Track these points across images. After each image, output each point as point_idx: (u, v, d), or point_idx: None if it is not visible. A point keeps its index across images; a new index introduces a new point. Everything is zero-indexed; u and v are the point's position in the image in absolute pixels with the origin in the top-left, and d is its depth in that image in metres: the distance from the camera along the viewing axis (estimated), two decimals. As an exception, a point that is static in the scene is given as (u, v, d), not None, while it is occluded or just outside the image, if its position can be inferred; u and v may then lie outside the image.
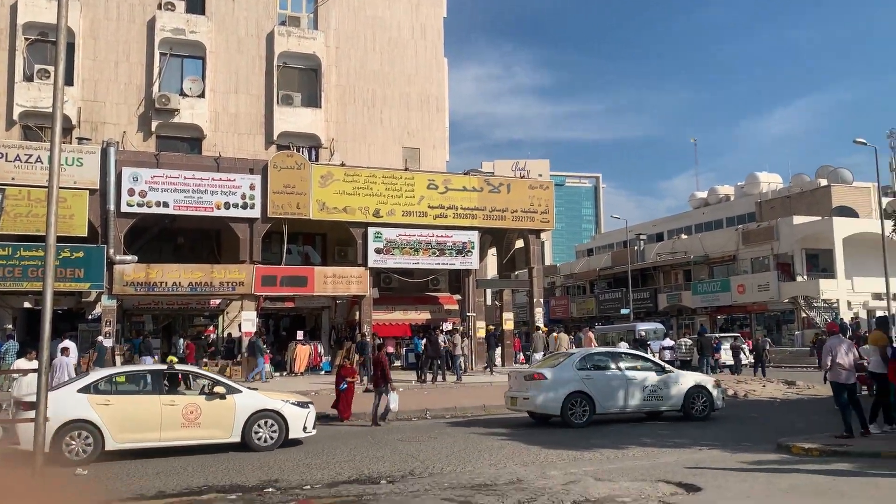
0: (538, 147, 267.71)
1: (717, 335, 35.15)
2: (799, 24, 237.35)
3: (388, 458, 11.03)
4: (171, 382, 12.32)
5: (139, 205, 24.81)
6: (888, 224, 27.01)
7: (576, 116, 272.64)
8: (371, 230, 27.50)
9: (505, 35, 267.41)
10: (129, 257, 24.64)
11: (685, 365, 28.97)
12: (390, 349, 29.72)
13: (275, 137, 31.03)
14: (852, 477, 8.74)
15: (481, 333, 31.51)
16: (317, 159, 30.72)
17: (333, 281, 27.21)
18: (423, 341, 25.02)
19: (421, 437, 13.31)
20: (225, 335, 28.31)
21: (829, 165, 54.68)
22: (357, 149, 32.27)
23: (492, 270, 38.25)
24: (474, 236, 29.25)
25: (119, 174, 24.64)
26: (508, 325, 32.47)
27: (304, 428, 12.55)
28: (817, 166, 59.56)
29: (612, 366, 15.23)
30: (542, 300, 33.44)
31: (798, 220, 44.75)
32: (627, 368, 15.24)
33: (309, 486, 9.18)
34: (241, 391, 12.48)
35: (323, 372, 27.61)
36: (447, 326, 29.44)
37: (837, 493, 7.81)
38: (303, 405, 12.73)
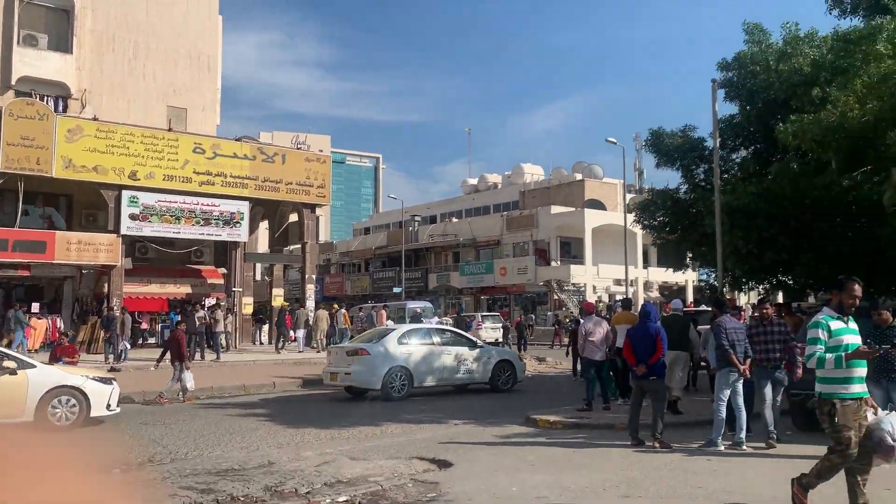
0: (320, 122, 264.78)
1: (474, 314, 37.00)
2: (567, 27, 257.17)
3: (126, 444, 9.94)
4: None
5: None
6: (630, 217, 29.92)
7: (359, 95, 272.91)
8: (126, 193, 25.06)
9: (289, 3, 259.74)
10: None
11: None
12: (144, 325, 27.48)
13: (13, 82, 27.16)
14: (589, 448, 9.31)
15: (248, 310, 30.21)
16: (65, 111, 27.36)
17: (79, 248, 24.44)
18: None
19: (169, 420, 12.24)
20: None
21: (583, 161, 59.66)
22: (114, 104, 29.21)
23: (263, 244, 36.78)
24: (244, 207, 27.83)
25: None
26: (278, 301, 31.45)
27: (108, 406, 11.48)
28: (574, 161, 64.75)
29: (430, 341, 15.64)
30: (314, 276, 32.80)
31: (555, 210, 48.35)
32: (444, 343, 15.72)
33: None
34: (35, 366, 11.30)
35: (63, 349, 24.73)
36: (210, 301, 27.81)
37: (576, 465, 8.23)
38: (106, 381, 11.70)
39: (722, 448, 8.95)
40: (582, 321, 13.98)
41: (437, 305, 44.30)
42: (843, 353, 5.61)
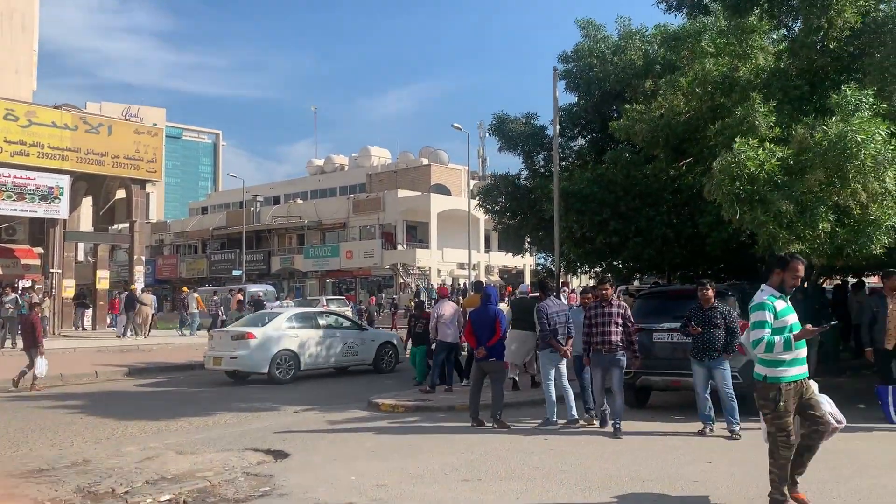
0: (155, 94, 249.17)
1: (318, 298, 36.28)
2: (419, 11, 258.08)
3: None
4: None
5: None
6: (473, 203, 30.44)
7: (198, 68, 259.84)
8: (-80, 162, 22.13)
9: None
10: None
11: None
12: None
13: None
14: (430, 434, 9.24)
15: (69, 294, 27.85)
16: None
17: None
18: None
19: (-35, 417, 10.89)
20: None
21: (430, 146, 60.24)
22: None
23: (86, 222, 33.90)
24: (64, 181, 25.46)
25: None
26: (103, 284, 29.27)
27: None
28: (421, 146, 65.25)
29: (317, 324, 15.66)
30: (144, 258, 30.73)
31: (402, 193, 48.43)
32: (330, 327, 15.84)
33: None
34: None
35: None
36: (24, 284, 25.29)
37: (417, 450, 8.12)
38: None
39: (558, 426, 9.22)
40: (435, 305, 14.04)
41: (280, 289, 43.07)
42: (791, 335, 5.37)
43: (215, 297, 31.18)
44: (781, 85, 11.14)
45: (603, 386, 9.01)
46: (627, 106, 13.11)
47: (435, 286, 41.55)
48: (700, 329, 8.77)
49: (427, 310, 15.28)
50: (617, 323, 8.83)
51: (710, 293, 8.96)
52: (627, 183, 13.25)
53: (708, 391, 8.82)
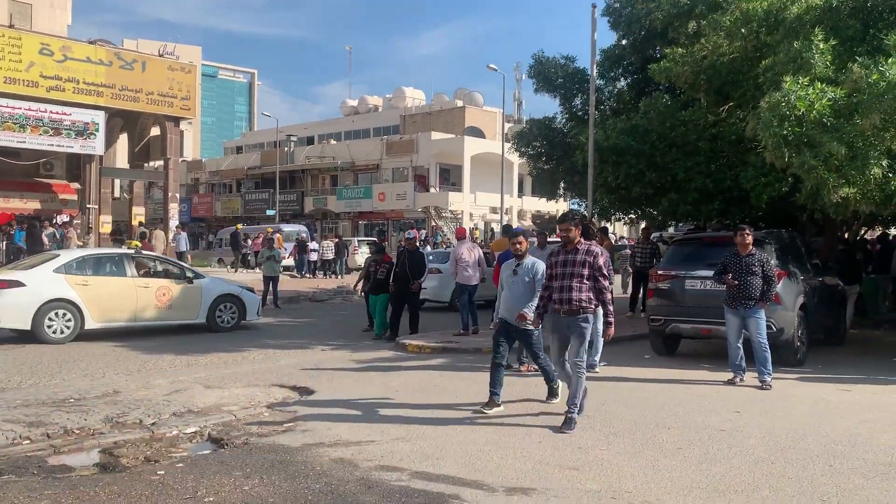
0: (191, 32, 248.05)
1: (350, 239, 36.09)
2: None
3: (-52, 373, 8.93)
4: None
5: None
6: (507, 146, 29.97)
7: (234, 6, 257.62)
8: (-41, 96, 22.33)
9: None
10: None
11: (327, 265, 29.61)
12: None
13: None
14: (454, 372, 9.23)
15: (106, 229, 28.26)
16: None
17: None
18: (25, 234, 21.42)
19: (2, 347, 11.16)
20: None
21: (465, 88, 59.21)
22: (-57, -7, 25.76)
23: (122, 159, 34.21)
24: (100, 117, 25.57)
25: None
26: (139, 220, 29.58)
27: (257, 313, 14.04)
28: (456, 88, 64.25)
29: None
30: (178, 195, 30.97)
31: (435, 135, 47.90)
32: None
33: None
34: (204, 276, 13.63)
35: None
36: (63, 218, 25.74)
37: (440, 390, 8.12)
38: (252, 291, 14.42)
39: (598, 370, 9.10)
40: (455, 246, 13.89)
41: (313, 230, 43.30)
42: None
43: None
44: (832, 24, 10.55)
45: (560, 357, 6.83)
46: (668, 49, 12.61)
47: (439, 230, 41.31)
48: (737, 281, 8.51)
49: (388, 253, 13.91)
50: (582, 276, 6.47)
51: (749, 239, 8.67)
52: (663, 131, 12.83)
53: (740, 340, 8.63)
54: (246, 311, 13.75)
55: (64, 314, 11.74)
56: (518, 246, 7.35)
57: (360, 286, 13.77)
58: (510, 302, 7.22)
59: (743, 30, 11.21)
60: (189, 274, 13.58)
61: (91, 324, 12.04)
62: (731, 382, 8.48)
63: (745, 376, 8.51)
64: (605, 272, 6.58)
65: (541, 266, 7.12)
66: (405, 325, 12.58)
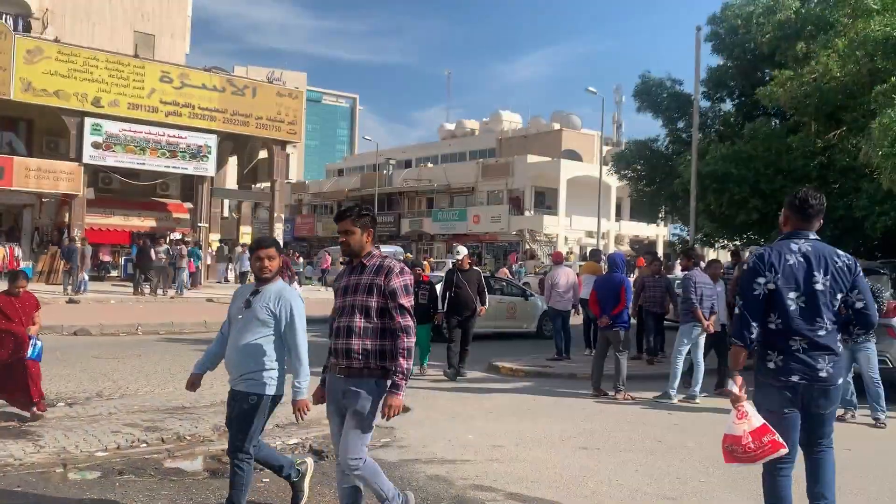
0: (297, 59, 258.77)
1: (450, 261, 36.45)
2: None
3: (75, 378, 9.61)
4: None
5: None
6: (605, 169, 29.67)
7: (337, 33, 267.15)
8: (88, 121, 24.15)
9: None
10: None
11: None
12: (106, 257, 26.93)
13: (-32, -3, 25.80)
14: (549, 397, 9.20)
15: (214, 246, 29.72)
16: (26, 31, 26.09)
17: (38, 175, 23.63)
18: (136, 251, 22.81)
19: (123, 355, 11.90)
20: None
21: (562, 111, 59.06)
22: (79, 27, 28.00)
23: (231, 180, 35.97)
24: (212, 140, 27.05)
25: None
26: (246, 238, 30.93)
27: None
28: (553, 111, 64.12)
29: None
30: (283, 216, 32.26)
31: (531, 158, 47.92)
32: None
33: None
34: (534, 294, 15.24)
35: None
36: (176, 236, 27.24)
37: (534, 415, 8.11)
38: None
39: (675, 401, 8.89)
40: (551, 270, 13.85)
41: (409, 251, 44.05)
42: None
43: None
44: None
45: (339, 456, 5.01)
46: (776, 72, 12.26)
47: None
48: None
49: (421, 272, 11.45)
50: (368, 309, 4.04)
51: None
52: (768, 158, 12.43)
53: (851, 375, 8.22)
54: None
55: None
56: (263, 263, 4.47)
57: None
58: (233, 355, 4.54)
59: (857, 52, 10.78)
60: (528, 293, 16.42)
61: None
62: (841, 419, 8.07)
63: (856, 413, 8.09)
64: (406, 301, 4.00)
65: (293, 299, 4.48)
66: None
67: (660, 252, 41.67)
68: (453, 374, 10.35)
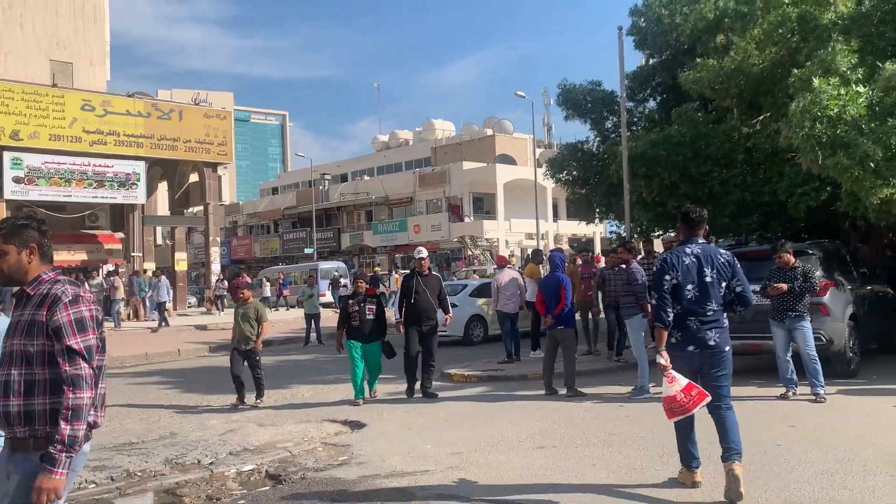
0: (222, 80, 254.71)
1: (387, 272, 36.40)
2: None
3: (12, 422, 9.20)
4: None
5: None
6: (540, 172, 30.09)
7: (262, 52, 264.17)
8: (7, 155, 23.29)
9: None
10: None
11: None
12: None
13: None
14: (503, 402, 9.25)
15: (149, 276, 28.89)
16: (-68, 66, 25.00)
17: (-44, 214, 22.59)
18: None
19: (61, 394, 11.47)
20: None
21: (494, 117, 59.78)
22: (-11, 58, 26.94)
23: (163, 206, 35.12)
24: (140, 167, 26.39)
25: None
26: (181, 265, 30.25)
27: None
28: (485, 117, 64.79)
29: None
30: (219, 239, 31.64)
31: (467, 165, 48.30)
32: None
33: None
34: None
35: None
36: (109, 268, 26.44)
37: (490, 419, 8.15)
38: None
39: (651, 392, 8.64)
40: (496, 273, 13.93)
41: (351, 265, 43.75)
42: None
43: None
44: (864, 32, 10.53)
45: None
46: (699, 60, 12.65)
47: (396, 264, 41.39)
48: (785, 287, 8.38)
49: (365, 284, 9.98)
50: (28, 355, 2.99)
51: (787, 257, 8.54)
52: (696, 144, 12.80)
53: (789, 354, 8.51)
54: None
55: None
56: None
57: (341, 336, 9.86)
58: None
59: (775, 35, 11.22)
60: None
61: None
62: (783, 397, 8.36)
63: (797, 390, 8.38)
64: (76, 341, 2.93)
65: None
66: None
67: (597, 249, 42.44)
68: (412, 394, 9.67)
